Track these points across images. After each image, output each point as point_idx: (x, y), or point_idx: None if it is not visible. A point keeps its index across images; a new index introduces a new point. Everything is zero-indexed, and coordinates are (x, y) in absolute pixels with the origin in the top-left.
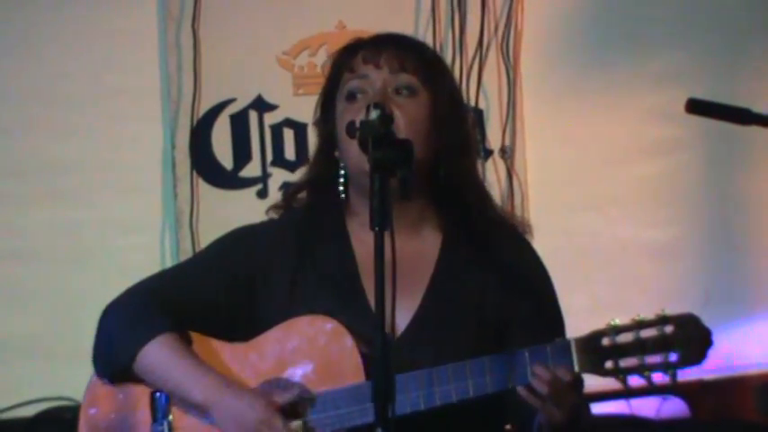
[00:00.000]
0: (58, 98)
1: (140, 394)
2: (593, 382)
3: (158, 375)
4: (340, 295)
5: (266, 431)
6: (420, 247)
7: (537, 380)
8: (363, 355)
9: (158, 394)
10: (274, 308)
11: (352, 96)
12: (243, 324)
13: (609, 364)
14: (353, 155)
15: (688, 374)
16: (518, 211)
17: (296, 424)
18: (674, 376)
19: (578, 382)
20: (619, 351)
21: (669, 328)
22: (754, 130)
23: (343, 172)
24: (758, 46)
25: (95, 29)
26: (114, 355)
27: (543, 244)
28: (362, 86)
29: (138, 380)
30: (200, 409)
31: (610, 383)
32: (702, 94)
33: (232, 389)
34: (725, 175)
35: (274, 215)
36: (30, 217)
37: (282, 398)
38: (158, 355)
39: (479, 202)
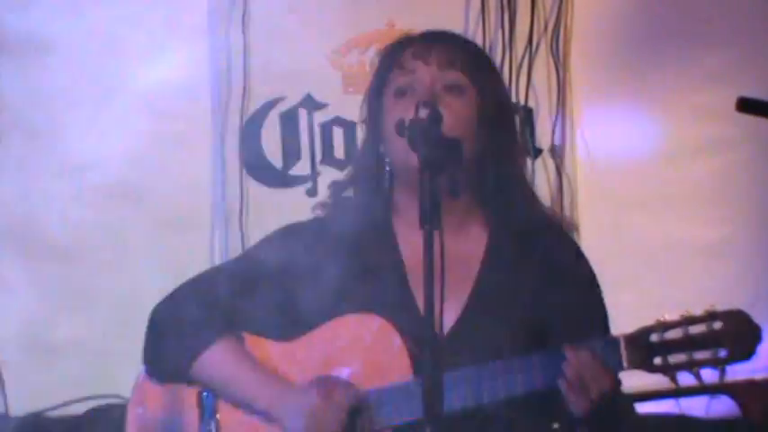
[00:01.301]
0: (108, 96)
1: (188, 393)
2: (642, 381)
3: (218, 382)
4: (387, 294)
5: (324, 417)
6: (466, 246)
7: (565, 362)
8: (411, 354)
9: (206, 393)
10: (322, 306)
11: (400, 93)
12: (291, 323)
13: (658, 360)
14: (401, 152)
15: (738, 373)
16: (567, 210)
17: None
18: (723, 372)
19: (606, 376)
20: (667, 347)
21: (718, 324)
22: None
23: (389, 169)
24: None
25: (144, 25)
26: (169, 360)
27: (592, 242)
28: (411, 83)
29: (189, 381)
30: (265, 413)
31: (660, 382)
32: (753, 92)
33: (293, 390)
34: None
35: (321, 213)
36: (79, 215)
37: (342, 397)
38: (216, 363)
39: (525, 201)
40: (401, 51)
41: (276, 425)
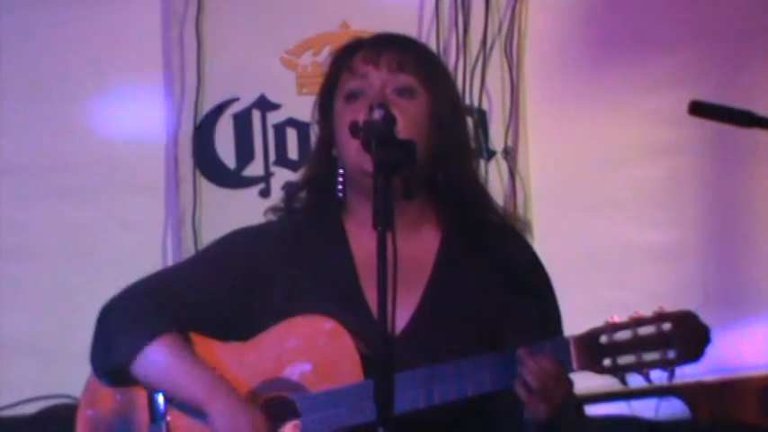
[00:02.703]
0: (61, 96)
1: (138, 395)
2: (592, 383)
3: (157, 378)
4: (338, 295)
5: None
6: (419, 247)
7: (526, 370)
8: (362, 355)
9: (156, 395)
10: (273, 308)
11: (351, 96)
12: (242, 324)
13: (607, 362)
14: (354, 154)
15: (688, 375)
16: (520, 212)
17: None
18: (672, 373)
19: (566, 380)
20: (617, 349)
21: (667, 326)
22: (756, 133)
23: (341, 172)
24: (761, 49)
25: (99, 27)
26: (112, 355)
27: (545, 244)
28: (362, 87)
29: (134, 383)
30: (198, 410)
31: (609, 384)
32: (705, 96)
33: (230, 391)
34: (726, 177)
35: (273, 217)
36: (32, 215)
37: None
38: (157, 358)
39: (478, 201)
40: (351, 55)
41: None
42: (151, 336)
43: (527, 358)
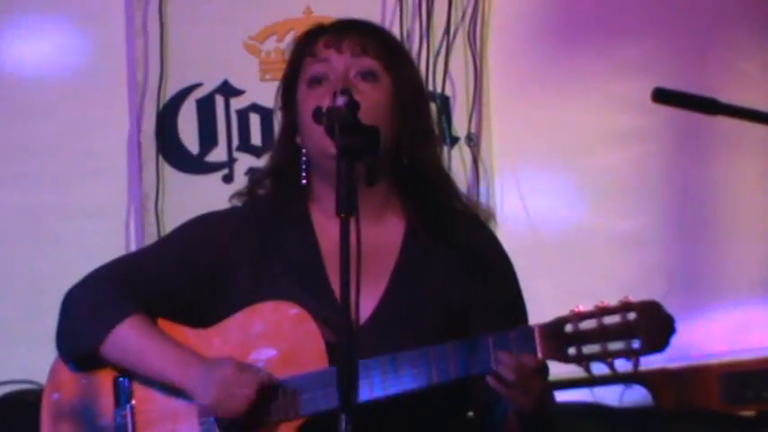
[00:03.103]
0: (22, 81)
1: (103, 379)
2: (556, 370)
3: (128, 357)
4: (303, 282)
5: (236, 387)
6: (383, 234)
7: (503, 366)
8: (327, 342)
9: (121, 379)
10: (238, 294)
11: (314, 81)
12: (206, 310)
13: (572, 351)
14: (318, 140)
15: (651, 363)
16: (483, 199)
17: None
18: (636, 363)
19: (543, 368)
20: (582, 338)
21: (632, 315)
22: (721, 121)
23: (305, 158)
24: (726, 37)
25: (61, 11)
26: (81, 339)
27: (508, 231)
28: (324, 71)
29: (102, 366)
30: (173, 388)
31: (573, 371)
32: (670, 83)
33: (204, 359)
34: (690, 165)
35: (237, 202)
36: None
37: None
38: (128, 338)
39: (442, 188)
40: (314, 40)
41: (192, 404)
42: (118, 317)
43: (501, 353)
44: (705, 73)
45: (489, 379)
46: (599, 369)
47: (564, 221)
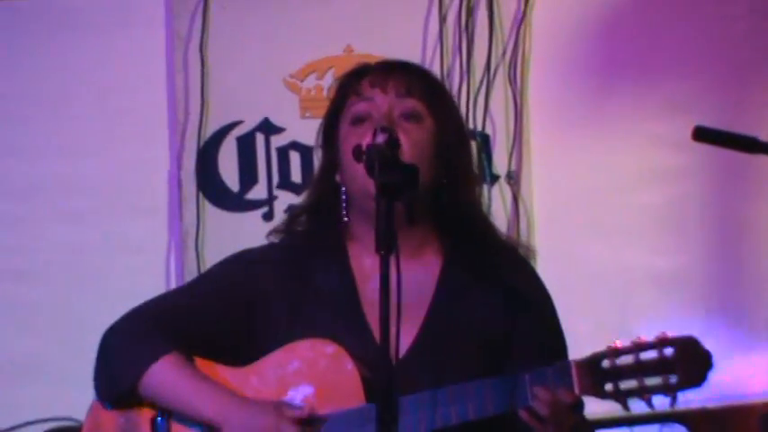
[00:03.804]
0: (66, 119)
1: (142, 418)
2: (596, 408)
3: (165, 395)
4: (340, 319)
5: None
6: (420, 270)
7: (538, 401)
8: (363, 378)
9: (159, 419)
10: (275, 332)
11: (357, 120)
12: (244, 348)
13: (609, 387)
14: (358, 178)
15: (691, 402)
16: (524, 237)
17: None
18: (674, 399)
19: (579, 404)
20: (618, 373)
21: (669, 351)
22: (761, 159)
23: (345, 196)
24: (765, 75)
25: (102, 49)
26: (118, 377)
27: (548, 269)
28: (368, 110)
29: (139, 404)
30: (209, 427)
31: (612, 410)
32: (709, 121)
33: (241, 402)
34: (730, 203)
35: (275, 239)
36: (36, 238)
37: (295, 412)
38: (165, 376)
39: (481, 227)
40: (359, 79)
41: None
42: (155, 355)
43: (537, 388)
44: (745, 111)
45: (522, 413)
46: (637, 407)
47: (604, 259)
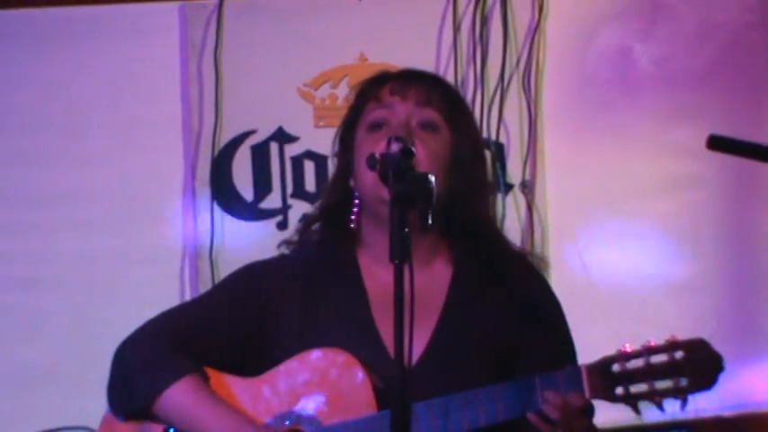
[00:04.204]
0: (79, 128)
1: (155, 429)
2: (606, 417)
3: (181, 418)
4: (351, 328)
5: None
6: (431, 279)
7: (548, 405)
8: (375, 387)
9: (172, 430)
10: (286, 342)
11: (374, 126)
12: (256, 359)
13: (619, 390)
14: (371, 185)
15: (703, 411)
16: (538, 245)
17: None
18: (684, 402)
19: (589, 408)
20: (629, 377)
21: (679, 354)
22: None
23: (357, 201)
24: None
25: (117, 59)
26: (133, 394)
27: (562, 278)
28: (386, 117)
29: (151, 420)
30: None
31: (624, 418)
32: (724, 130)
33: (252, 427)
34: (744, 211)
35: (286, 250)
36: (51, 247)
37: None
38: (181, 399)
39: (492, 238)
40: (379, 86)
41: None
42: (173, 378)
43: (547, 392)
44: (760, 120)
45: (531, 416)
46: (650, 414)
47: (618, 268)
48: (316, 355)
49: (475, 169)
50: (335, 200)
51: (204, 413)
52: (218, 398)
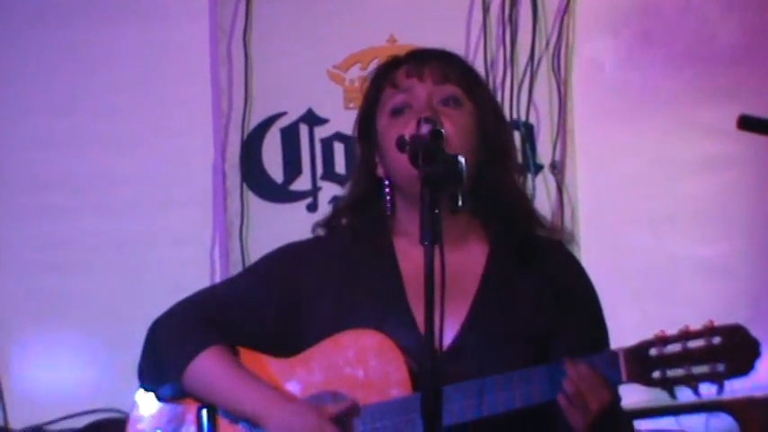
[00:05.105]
0: (110, 111)
1: (187, 410)
2: (641, 398)
3: (208, 388)
4: (385, 309)
5: None
6: (466, 261)
7: (565, 377)
8: (410, 369)
9: (204, 411)
10: (321, 324)
11: (396, 111)
12: (290, 340)
13: (656, 375)
14: (403, 168)
15: (737, 391)
16: (568, 226)
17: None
18: (721, 387)
19: (604, 390)
20: (666, 361)
21: (717, 339)
22: None
23: (387, 189)
24: None
25: (146, 41)
26: (163, 369)
27: (593, 259)
28: (407, 100)
29: (184, 396)
30: (250, 422)
31: (658, 398)
32: (755, 110)
33: (283, 400)
34: None
35: (321, 232)
36: (81, 230)
37: (333, 409)
38: (209, 368)
39: (524, 212)
40: (393, 71)
41: None
42: (200, 347)
43: (568, 367)
44: None
45: (560, 398)
46: (685, 396)
47: (648, 249)
48: (351, 335)
49: (501, 138)
50: (363, 190)
51: (231, 382)
52: (245, 368)
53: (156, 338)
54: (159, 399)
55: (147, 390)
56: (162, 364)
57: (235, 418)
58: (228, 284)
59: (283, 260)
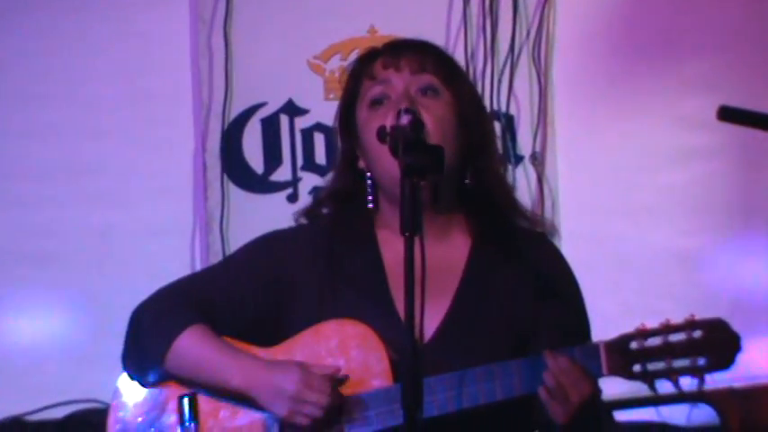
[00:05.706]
0: (89, 101)
1: (168, 397)
2: (621, 389)
3: (193, 366)
4: (368, 301)
5: (308, 392)
6: (448, 252)
7: (546, 370)
8: (391, 359)
9: (185, 399)
10: (303, 313)
11: (375, 103)
12: (271, 328)
13: (637, 368)
14: (383, 159)
15: (717, 382)
16: (548, 217)
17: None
18: (701, 381)
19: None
20: (647, 355)
21: (698, 333)
22: None
23: (370, 181)
24: None
25: (127, 31)
26: (147, 352)
27: (573, 250)
28: (385, 92)
29: (167, 379)
30: (235, 398)
31: (639, 390)
32: (735, 101)
33: (266, 364)
34: (756, 182)
35: (303, 220)
36: (60, 220)
37: (318, 369)
38: (192, 345)
39: (506, 202)
40: (370, 63)
41: (257, 420)
42: (182, 326)
43: (548, 359)
44: None
45: (540, 391)
46: (666, 388)
47: (629, 240)
48: (333, 325)
49: (481, 127)
50: (344, 183)
51: (213, 358)
52: (225, 343)
53: (138, 322)
54: (143, 384)
55: (131, 377)
56: (145, 348)
57: (219, 397)
58: (211, 271)
59: (266, 247)
